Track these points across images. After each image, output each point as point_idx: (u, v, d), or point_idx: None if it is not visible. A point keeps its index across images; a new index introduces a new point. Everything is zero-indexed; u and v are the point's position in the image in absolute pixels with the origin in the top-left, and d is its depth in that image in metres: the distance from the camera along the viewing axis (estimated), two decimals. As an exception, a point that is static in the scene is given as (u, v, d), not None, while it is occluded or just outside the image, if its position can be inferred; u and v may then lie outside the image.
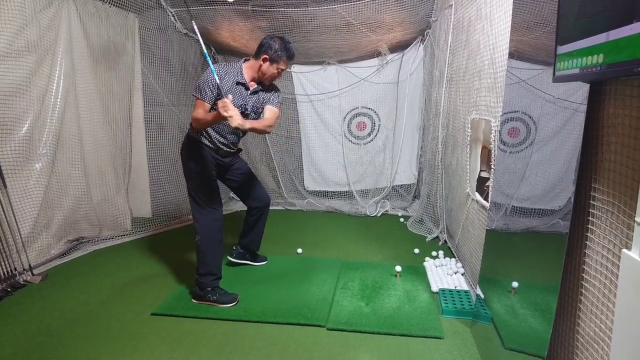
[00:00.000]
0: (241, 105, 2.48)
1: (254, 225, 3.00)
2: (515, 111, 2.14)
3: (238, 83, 2.46)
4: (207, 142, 2.54)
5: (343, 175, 4.92)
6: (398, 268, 2.93)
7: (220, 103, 2.19)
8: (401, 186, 4.94)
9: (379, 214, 4.62)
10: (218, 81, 2.30)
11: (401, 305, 2.52)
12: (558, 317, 1.43)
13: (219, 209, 2.59)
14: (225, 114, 2.16)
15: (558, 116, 1.84)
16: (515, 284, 1.88)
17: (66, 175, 3.21)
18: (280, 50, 2.44)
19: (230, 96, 2.28)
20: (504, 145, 2.18)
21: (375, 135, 4.82)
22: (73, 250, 3.31)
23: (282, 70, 2.52)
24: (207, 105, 2.37)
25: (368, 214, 4.59)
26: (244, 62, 2.51)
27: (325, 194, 5.02)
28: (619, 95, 1.14)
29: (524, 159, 2.15)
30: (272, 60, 2.45)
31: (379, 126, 4.79)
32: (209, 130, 2.51)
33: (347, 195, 4.94)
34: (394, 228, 4.18)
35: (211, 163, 2.58)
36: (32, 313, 2.42)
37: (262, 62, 2.46)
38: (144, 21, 3.82)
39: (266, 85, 2.58)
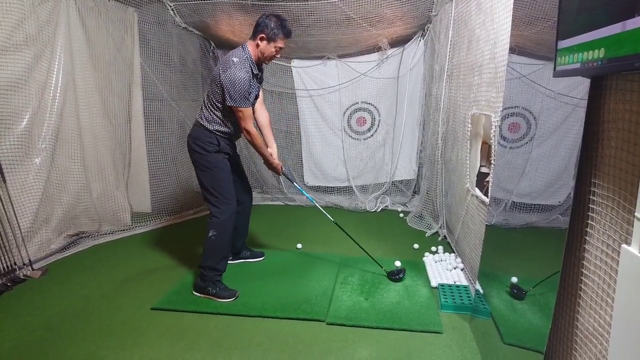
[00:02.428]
0: (256, 96, 2.57)
1: (242, 221, 2.96)
2: (515, 106, 2.14)
3: (254, 76, 2.49)
4: (225, 132, 2.56)
5: (343, 171, 4.92)
6: (397, 263, 2.93)
7: (277, 166, 2.77)
8: (401, 181, 4.94)
9: (379, 209, 4.62)
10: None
11: (400, 300, 2.53)
12: (557, 312, 1.43)
13: (235, 203, 2.61)
14: (279, 171, 2.81)
15: (558, 111, 1.84)
16: (514, 279, 1.88)
17: (65, 170, 3.21)
18: (277, 28, 2.42)
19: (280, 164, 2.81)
20: (504, 140, 2.17)
21: (375, 131, 4.81)
22: (73, 245, 3.32)
23: (280, 48, 2.51)
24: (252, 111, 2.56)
25: (368, 209, 4.59)
26: (247, 45, 2.49)
27: (325, 190, 5.02)
28: (619, 90, 1.14)
29: (524, 155, 2.15)
30: (270, 39, 2.44)
31: (379, 121, 4.78)
32: (227, 121, 2.54)
33: (347, 190, 4.94)
34: (393, 223, 4.18)
35: (227, 154, 2.62)
36: (32, 307, 2.42)
37: (259, 42, 2.45)
38: (143, 15, 3.80)
39: (265, 65, 2.61)
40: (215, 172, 2.55)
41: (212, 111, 2.52)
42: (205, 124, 2.53)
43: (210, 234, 2.53)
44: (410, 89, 4.58)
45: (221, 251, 2.57)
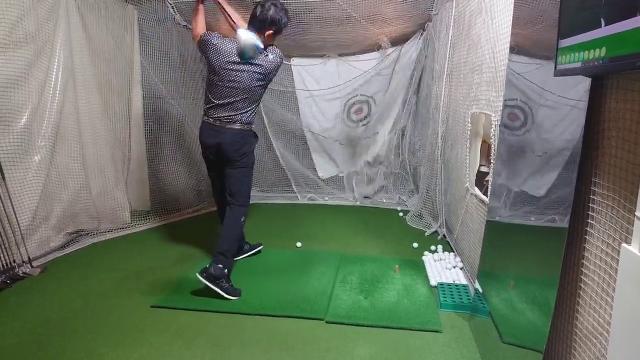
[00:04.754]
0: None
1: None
2: (513, 106, 2.14)
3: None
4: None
5: (341, 168, 4.96)
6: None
7: None
8: (399, 180, 4.95)
9: (376, 207, 4.62)
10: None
11: (400, 299, 2.53)
12: (556, 311, 1.43)
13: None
14: None
15: (558, 111, 1.83)
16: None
17: (65, 168, 3.20)
18: (287, 19, 2.56)
19: None
20: (507, 128, 2.16)
21: (374, 127, 4.82)
22: (72, 243, 3.31)
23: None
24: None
25: (367, 206, 4.60)
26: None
27: (322, 188, 5.04)
28: (620, 90, 1.14)
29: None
30: (277, 32, 2.55)
31: (376, 119, 4.79)
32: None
33: (344, 188, 4.97)
34: (393, 222, 4.18)
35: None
36: (31, 305, 2.42)
37: (268, 34, 2.52)
38: (142, 13, 3.79)
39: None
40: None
41: None
42: None
43: (241, 219, 2.73)
44: (407, 87, 4.61)
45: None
